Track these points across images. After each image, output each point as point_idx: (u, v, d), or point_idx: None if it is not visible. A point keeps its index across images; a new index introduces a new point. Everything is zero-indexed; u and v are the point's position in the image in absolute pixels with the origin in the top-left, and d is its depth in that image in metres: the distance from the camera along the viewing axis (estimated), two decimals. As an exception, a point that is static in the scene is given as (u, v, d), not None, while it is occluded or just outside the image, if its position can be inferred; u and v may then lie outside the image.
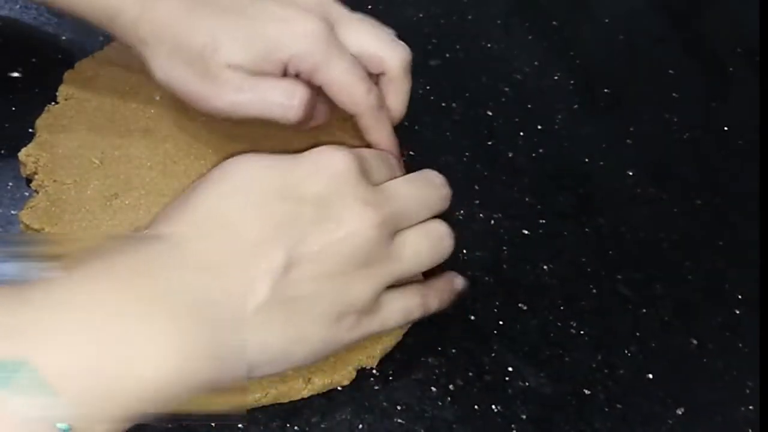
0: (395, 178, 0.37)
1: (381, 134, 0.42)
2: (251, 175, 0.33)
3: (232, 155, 0.35)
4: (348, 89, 0.39)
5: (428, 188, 0.37)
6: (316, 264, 0.32)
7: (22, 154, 0.43)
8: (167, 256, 0.30)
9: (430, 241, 0.36)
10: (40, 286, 0.28)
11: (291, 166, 0.33)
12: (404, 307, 0.36)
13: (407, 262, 0.35)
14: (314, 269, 0.32)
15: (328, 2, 0.40)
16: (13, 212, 0.43)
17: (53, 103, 0.46)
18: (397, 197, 0.35)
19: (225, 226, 0.31)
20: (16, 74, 0.48)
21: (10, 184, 0.44)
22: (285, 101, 0.39)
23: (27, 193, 0.43)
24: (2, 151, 0.45)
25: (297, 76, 0.39)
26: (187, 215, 0.32)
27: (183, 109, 0.47)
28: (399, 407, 0.39)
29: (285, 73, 0.39)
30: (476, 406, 0.40)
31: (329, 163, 0.33)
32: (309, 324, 0.32)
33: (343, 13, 0.41)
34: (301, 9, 0.39)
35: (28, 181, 0.44)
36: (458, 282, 0.40)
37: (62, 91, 0.47)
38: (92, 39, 0.50)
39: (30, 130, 0.45)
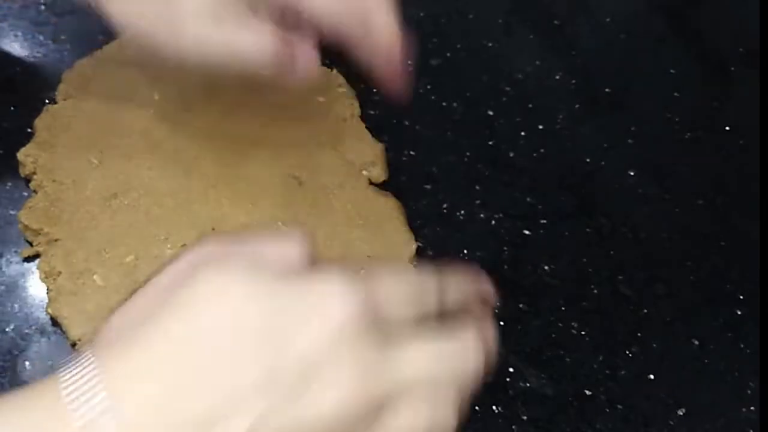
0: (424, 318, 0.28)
1: (381, 47, 0.37)
2: (230, 309, 0.25)
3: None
4: (332, 6, 0.36)
5: (457, 361, 0.28)
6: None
7: (21, 153, 0.43)
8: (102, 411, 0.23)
9: (427, 411, 0.27)
10: None
11: (280, 305, 0.25)
12: None
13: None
14: None
15: None
16: (12, 212, 0.43)
17: (52, 102, 0.46)
18: (408, 368, 0.27)
19: (175, 387, 0.24)
20: (15, 74, 0.48)
21: (9, 184, 0.44)
22: (255, 40, 0.34)
23: (26, 194, 0.43)
24: (1, 151, 0.45)
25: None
26: (137, 351, 0.24)
27: (183, 109, 0.47)
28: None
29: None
30: (477, 407, 0.40)
31: (328, 312, 0.25)
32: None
33: None
34: None
35: (27, 180, 0.43)
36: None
37: (61, 90, 0.46)
38: (92, 39, 0.49)
39: (29, 129, 0.45)
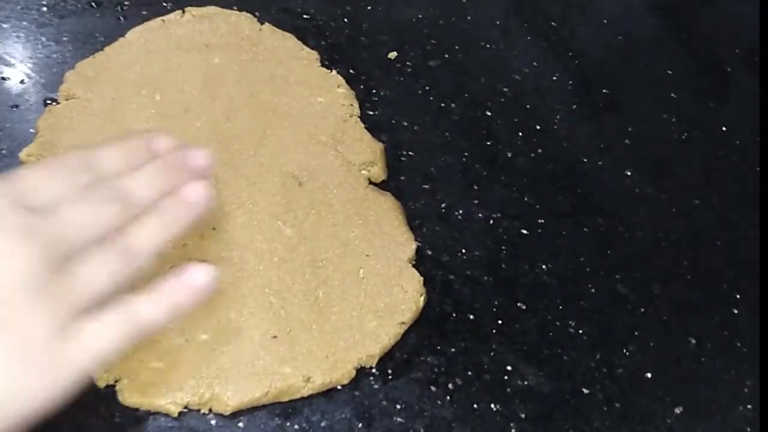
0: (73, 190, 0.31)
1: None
2: None
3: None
4: None
5: (98, 206, 0.31)
6: None
7: (24, 153, 0.44)
8: None
9: (107, 257, 0.31)
10: None
11: None
12: (107, 330, 0.30)
13: (86, 283, 0.30)
14: None
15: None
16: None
17: (54, 103, 0.46)
18: (61, 218, 0.30)
19: None
20: (17, 75, 0.48)
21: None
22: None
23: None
24: (3, 151, 0.45)
25: None
26: None
27: (183, 109, 0.47)
28: (398, 406, 0.39)
29: None
30: (475, 405, 0.40)
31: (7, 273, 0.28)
32: None
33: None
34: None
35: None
36: (195, 275, 0.33)
37: (63, 91, 0.47)
38: (93, 40, 0.50)
39: (31, 130, 0.45)
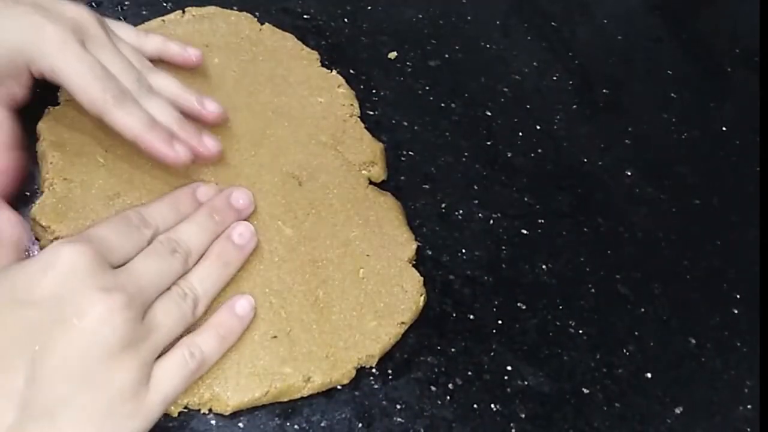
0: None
1: (125, 130, 0.40)
2: None
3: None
4: (84, 89, 0.39)
5: (164, 259, 0.36)
6: (63, 365, 0.30)
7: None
8: None
9: (176, 304, 0.35)
10: None
11: (16, 272, 0.32)
12: (176, 369, 0.35)
13: (161, 330, 0.34)
14: (63, 371, 0.30)
15: (86, 20, 0.40)
16: (14, 212, 0.43)
17: (56, 104, 0.46)
18: (138, 274, 0.34)
19: None
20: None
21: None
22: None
23: (27, 193, 0.44)
24: (3, 151, 0.45)
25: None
26: None
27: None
28: (398, 406, 0.39)
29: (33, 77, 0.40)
30: (475, 405, 0.40)
31: (57, 261, 0.32)
32: (77, 428, 0.30)
33: (98, 35, 0.40)
34: (47, 16, 0.38)
35: (30, 180, 0.44)
36: (240, 306, 0.38)
37: (63, 92, 0.47)
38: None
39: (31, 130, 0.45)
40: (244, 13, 0.52)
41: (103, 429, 0.31)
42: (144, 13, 0.51)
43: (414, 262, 0.44)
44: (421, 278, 0.43)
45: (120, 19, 0.49)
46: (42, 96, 0.47)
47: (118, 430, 0.32)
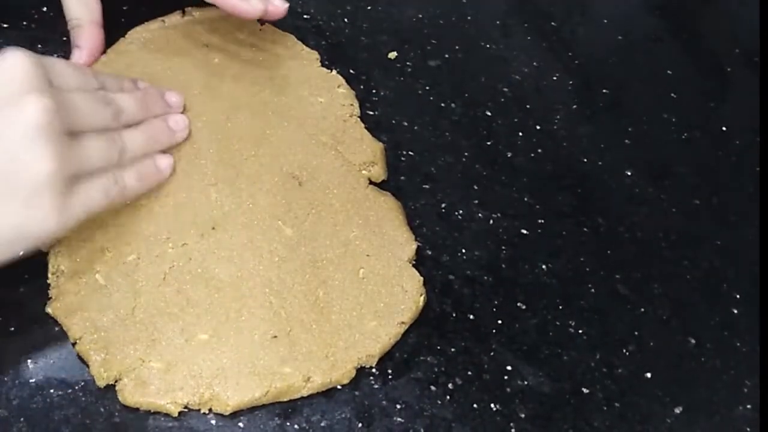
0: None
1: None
2: None
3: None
4: None
5: (99, 103, 0.39)
6: None
7: None
8: None
9: (105, 142, 0.39)
10: None
11: None
12: (99, 188, 0.38)
13: (86, 152, 0.37)
14: None
15: None
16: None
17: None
18: (71, 99, 0.37)
19: None
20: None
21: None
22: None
23: (28, 193, 0.44)
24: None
25: None
26: None
27: (184, 109, 0.47)
28: (398, 406, 0.39)
29: None
30: (475, 405, 0.40)
31: (9, 65, 0.35)
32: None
33: None
34: None
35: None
36: (162, 160, 0.43)
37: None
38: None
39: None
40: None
41: (21, 211, 0.34)
42: (143, 10, 0.51)
43: (414, 262, 0.44)
44: (421, 278, 0.43)
45: (121, 20, 0.49)
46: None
47: (35, 215, 0.35)
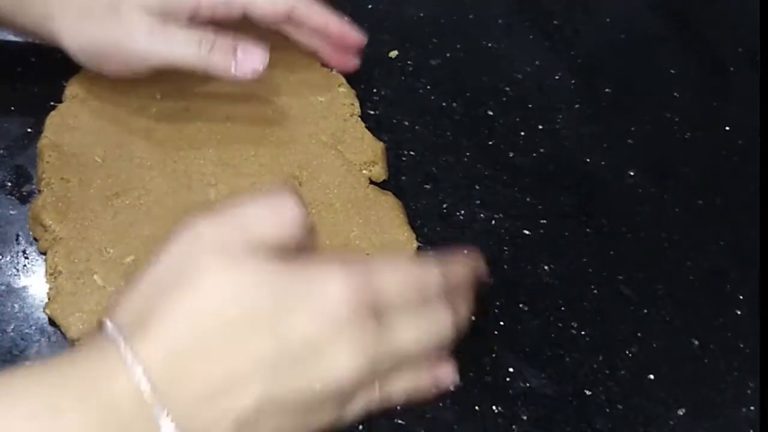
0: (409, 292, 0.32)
1: (321, 18, 0.46)
2: (235, 294, 0.28)
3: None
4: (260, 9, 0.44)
5: (436, 333, 0.33)
6: (286, 410, 0.29)
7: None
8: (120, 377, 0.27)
9: (415, 380, 0.33)
10: None
11: (284, 289, 0.29)
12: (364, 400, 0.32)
13: (389, 387, 0.32)
14: (283, 415, 0.29)
15: None
16: (12, 212, 0.43)
17: (59, 102, 0.46)
18: (398, 341, 0.31)
19: (197, 348, 0.27)
20: (23, 74, 0.48)
21: (9, 184, 0.44)
22: (191, 50, 0.42)
23: (25, 193, 0.43)
24: (2, 152, 0.45)
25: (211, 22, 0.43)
26: (153, 326, 0.27)
27: (183, 109, 0.47)
28: (399, 407, 0.39)
29: (199, 19, 0.43)
30: (477, 407, 0.40)
31: (327, 299, 0.29)
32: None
33: None
34: None
35: (29, 180, 0.44)
36: (445, 380, 0.35)
37: (66, 92, 0.47)
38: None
39: (29, 130, 0.45)
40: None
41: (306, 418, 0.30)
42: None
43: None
44: None
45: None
46: (44, 96, 0.47)
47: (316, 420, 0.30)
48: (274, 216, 0.30)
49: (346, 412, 0.31)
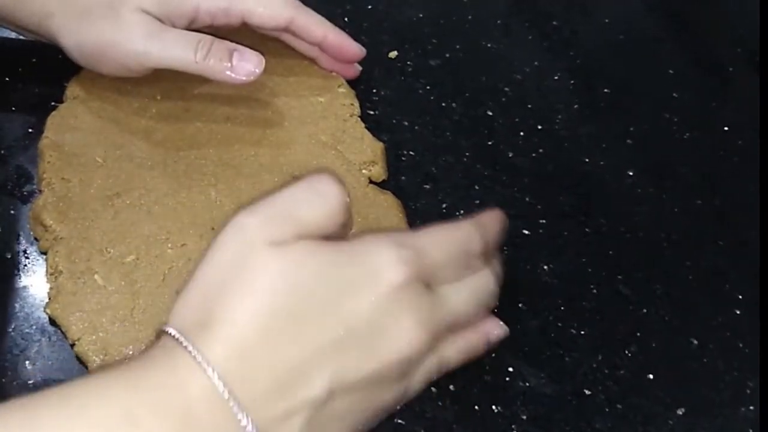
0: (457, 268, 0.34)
1: (319, 30, 0.47)
2: (291, 284, 0.29)
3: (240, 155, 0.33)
4: (268, 8, 0.45)
5: (483, 293, 0.35)
6: (356, 390, 0.30)
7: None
8: (196, 379, 0.27)
9: (467, 341, 0.35)
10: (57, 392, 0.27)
11: (339, 275, 0.29)
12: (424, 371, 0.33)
13: (444, 353, 0.34)
14: (354, 394, 0.30)
15: None
16: (12, 212, 0.43)
17: (60, 102, 0.46)
18: (452, 307, 0.33)
19: (263, 343, 0.28)
20: (18, 75, 0.48)
21: (10, 184, 0.44)
22: (188, 54, 0.42)
23: (25, 193, 0.43)
24: (3, 152, 0.45)
25: (211, 26, 0.45)
26: (216, 327, 0.28)
27: (183, 109, 0.47)
28: (398, 407, 0.39)
29: (198, 24, 0.45)
30: (476, 407, 0.40)
31: (382, 277, 0.30)
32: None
33: None
34: None
35: (29, 181, 0.44)
36: (495, 333, 0.37)
37: (67, 92, 0.47)
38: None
39: (30, 130, 0.45)
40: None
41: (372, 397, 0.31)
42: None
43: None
44: None
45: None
46: (45, 96, 0.47)
47: (383, 397, 0.31)
48: (320, 202, 0.31)
49: (411, 384, 0.32)
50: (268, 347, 0.28)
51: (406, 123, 0.51)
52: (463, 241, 0.34)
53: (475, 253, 0.34)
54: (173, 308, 0.30)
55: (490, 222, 0.36)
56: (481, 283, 0.35)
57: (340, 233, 0.31)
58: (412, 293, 0.30)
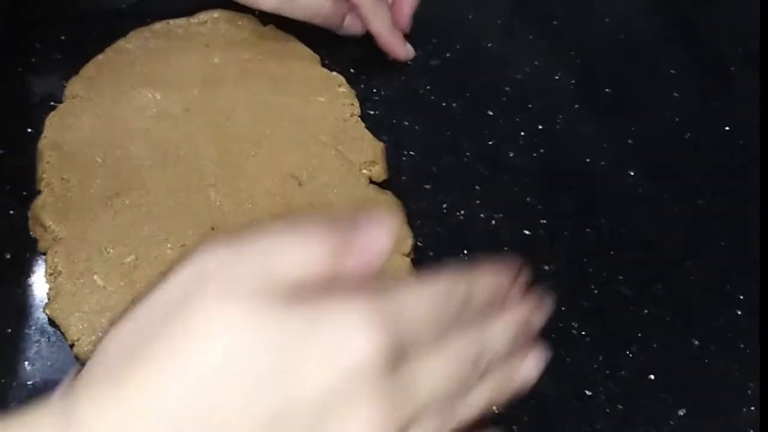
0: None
1: (376, 24, 0.53)
2: (232, 346, 0.23)
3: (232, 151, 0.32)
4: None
5: (457, 366, 0.27)
6: None
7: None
8: None
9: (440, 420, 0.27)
10: None
11: (291, 342, 0.23)
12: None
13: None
14: None
15: None
16: (11, 212, 0.43)
17: (58, 103, 0.46)
18: (423, 393, 0.26)
19: (175, 422, 0.22)
20: (18, 75, 0.48)
21: (9, 184, 0.44)
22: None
23: (25, 193, 0.43)
24: (2, 152, 0.45)
25: None
26: (127, 384, 0.23)
27: (183, 109, 0.47)
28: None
29: None
30: (477, 407, 0.40)
31: (349, 351, 0.23)
32: None
33: None
34: None
35: (28, 180, 0.44)
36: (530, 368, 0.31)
37: (66, 91, 0.47)
38: (94, 41, 0.50)
39: (29, 130, 0.45)
40: (246, 14, 0.52)
41: None
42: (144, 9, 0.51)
43: (412, 256, 0.43)
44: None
45: (123, 19, 0.49)
46: (45, 96, 0.47)
47: None
48: (301, 256, 0.25)
49: None
50: (185, 423, 0.22)
51: (406, 123, 0.51)
52: (450, 302, 0.27)
53: (474, 309, 0.28)
54: (101, 340, 0.25)
55: (495, 271, 0.30)
56: (473, 348, 0.27)
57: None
58: (379, 376, 0.24)
